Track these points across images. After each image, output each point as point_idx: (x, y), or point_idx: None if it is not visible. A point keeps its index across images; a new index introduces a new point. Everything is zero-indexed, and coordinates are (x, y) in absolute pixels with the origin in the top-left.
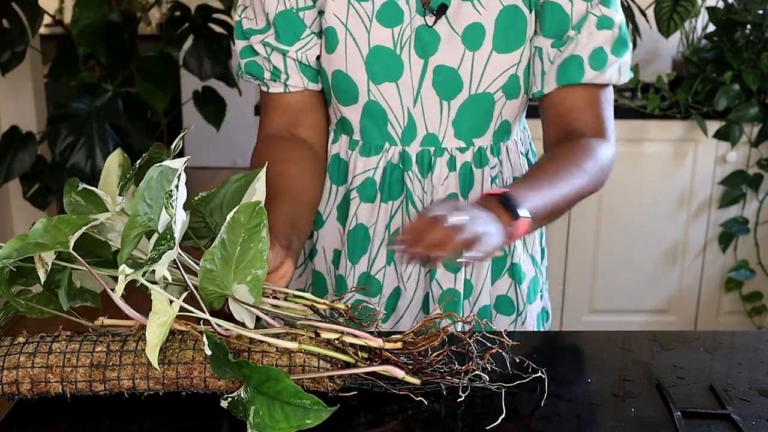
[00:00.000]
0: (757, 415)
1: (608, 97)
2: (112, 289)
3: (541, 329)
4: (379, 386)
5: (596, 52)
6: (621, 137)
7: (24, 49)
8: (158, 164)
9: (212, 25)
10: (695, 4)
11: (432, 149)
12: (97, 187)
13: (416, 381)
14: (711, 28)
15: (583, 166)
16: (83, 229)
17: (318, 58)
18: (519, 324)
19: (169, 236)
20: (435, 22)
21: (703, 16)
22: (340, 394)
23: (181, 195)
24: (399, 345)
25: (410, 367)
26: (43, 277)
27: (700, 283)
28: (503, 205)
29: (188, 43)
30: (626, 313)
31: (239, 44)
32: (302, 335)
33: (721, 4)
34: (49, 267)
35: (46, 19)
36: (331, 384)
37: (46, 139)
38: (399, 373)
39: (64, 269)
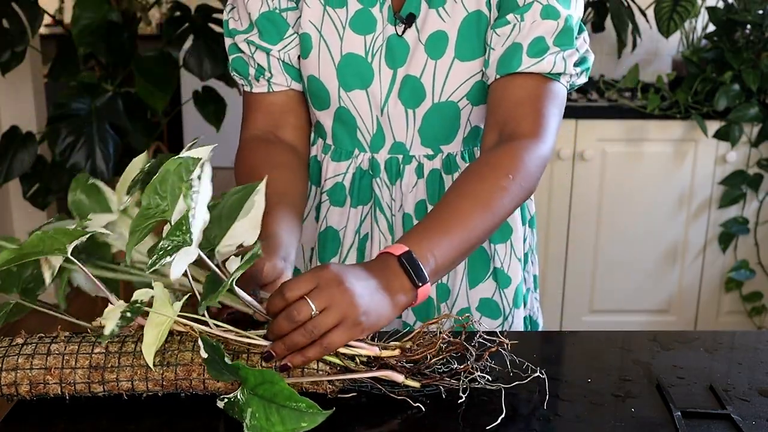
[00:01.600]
0: (757, 415)
1: (553, 93)
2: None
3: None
4: (378, 389)
5: (536, 40)
6: (621, 137)
7: (24, 49)
8: (177, 156)
9: (212, 25)
10: (695, 4)
11: (400, 157)
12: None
13: (416, 384)
14: (711, 28)
15: (501, 184)
16: (80, 240)
17: (299, 56)
18: (506, 328)
19: (185, 228)
20: (404, 31)
21: (703, 16)
22: (339, 395)
23: (204, 189)
24: (397, 353)
25: (409, 370)
26: (49, 280)
27: (700, 283)
28: (403, 268)
29: (188, 43)
30: (626, 313)
31: (227, 41)
32: None
33: (721, 4)
34: (56, 270)
35: (46, 19)
36: (330, 386)
37: (46, 139)
38: (398, 378)
39: (62, 270)
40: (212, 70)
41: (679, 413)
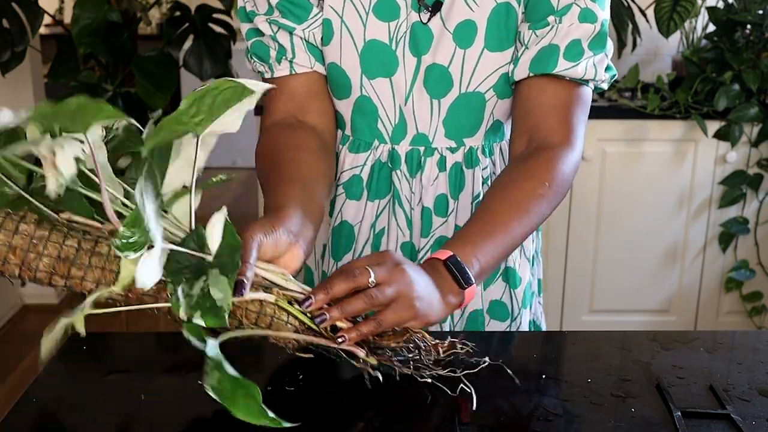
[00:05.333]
0: (757, 415)
1: (582, 99)
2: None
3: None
4: (338, 356)
5: (573, 43)
6: (621, 137)
7: (24, 49)
8: (233, 80)
9: (212, 25)
10: (695, 4)
11: (422, 149)
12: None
13: (373, 361)
14: (711, 28)
15: (538, 191)
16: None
17: (322, 39)
18: (513, 329)
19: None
20: (429, 19)
21: (703, 16)
22: (297, 353)
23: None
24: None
25: (371, 349)
26: (54, 188)
27: (700, 283)
28: (449, 271)
29: (188, 43)
30: (626, 313)
31: (244, 27)
32: (278, 290)
33: (721, 4)
34: (66, 180)
35: (46, 19)
36: (292, 342)
37: None
38: (360, 353)
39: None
40: (212, 70)
41: (679, 413)
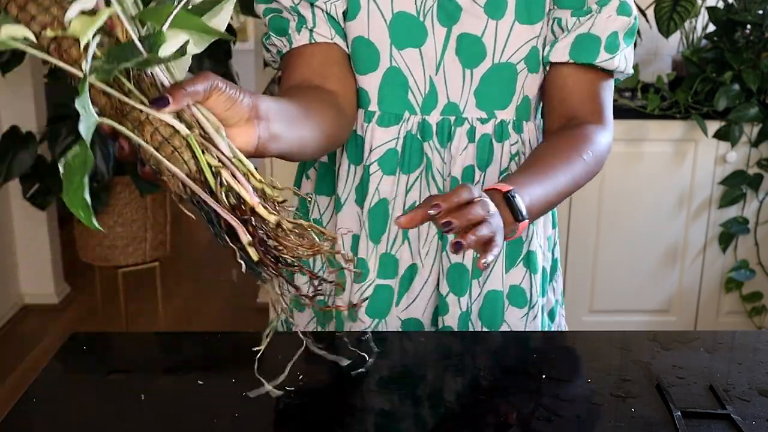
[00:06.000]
0: (757, 415)
1: (611, 86)
2: None
3: (546, 328)
4: (219, 234)
5: (612, 35)
6: (621, 137)
7: None
8: None
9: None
10: (695, 4)
11: (452, 118)
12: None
13: (254, 256)
14: (711, 28)
15: (582, 156)
16: None
17: (344, 15)
18: (530, 318)
19: None
20: None
21: (703, 16)
22: (177, 202)
23: None
24: (272, 220)
25: (261, 241)
26: None
27: (700, 283)
28: (507, 203)
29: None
30: (626, 313)
31: (259, 8)
32: (200, 133)
33: (721, 4)
34: None
35: None
36: (178, 189)
37: (46, 139)
38: (243, 238)
39: None
40: (212, 70)
41: (679, 413)
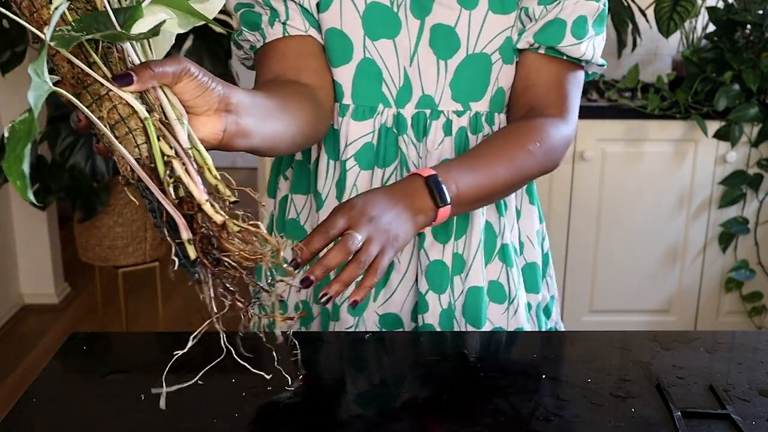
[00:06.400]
0: (757, 415)
1: (577, 79)
2: None
3: (543, 327)
4: (160, 226)
5: (580, 19)
6: (621, 137)
7: (24, 49)
8: None
9: (212, 25)
10: (695, 4)
11: (428, 111)
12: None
13: (191, 254)
14: (711, 28)
15: (528, 147)
16: None
17: (318, 6)
18: (511, 313)
19: None
20: None
21: (703, 16)
22: (124, 184)
23: None
24: (218, 220)
25: (204, 239)
26: None
27: (700, 283)
28: (428, 188)
29: (188, 43)
30: (626, 313)
31: (231, 3)
32: (159, 118)
33: (721, 4)
34: None
35: None
36: (126, 172)
37: (46, 139)
38: (184, 234)
39: None
40: (212, 70)
41: (679, 413)
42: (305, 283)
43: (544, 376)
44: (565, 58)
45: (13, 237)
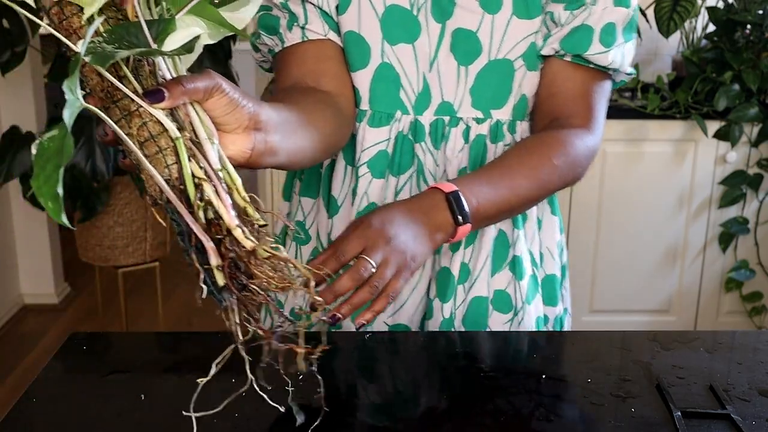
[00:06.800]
0: (757, 415)
1: (604, 89)
2: None
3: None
4: (187, 249)
5: (608, 26)
6: (621, 137)
7: (24, 49)
8: None
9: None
10: (695, 4)
11: (447, 119)
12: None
13: (220, 280)
14: (711, 28)
15: (552, 159)
16: None
17: (337, 8)
18: (515, 325)
19: None
20: None
21: (703, 16)
22: (152, 204)
23: None
24: (249, 245)
25: (233, 265)
26: None
27: (700, 283)
28: (449, 204)
29: None
30: (626, 313)
31: None
32: (190, 137)
33: (721, 4)
34: None
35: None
36: (155, 193)
37: None
38: (213, 260)
39: None
40: (212, 70)
41: (679, 413)
42: (334, 320)
43: (544, 376)
44: (592, 66)
45: (13, 237)
